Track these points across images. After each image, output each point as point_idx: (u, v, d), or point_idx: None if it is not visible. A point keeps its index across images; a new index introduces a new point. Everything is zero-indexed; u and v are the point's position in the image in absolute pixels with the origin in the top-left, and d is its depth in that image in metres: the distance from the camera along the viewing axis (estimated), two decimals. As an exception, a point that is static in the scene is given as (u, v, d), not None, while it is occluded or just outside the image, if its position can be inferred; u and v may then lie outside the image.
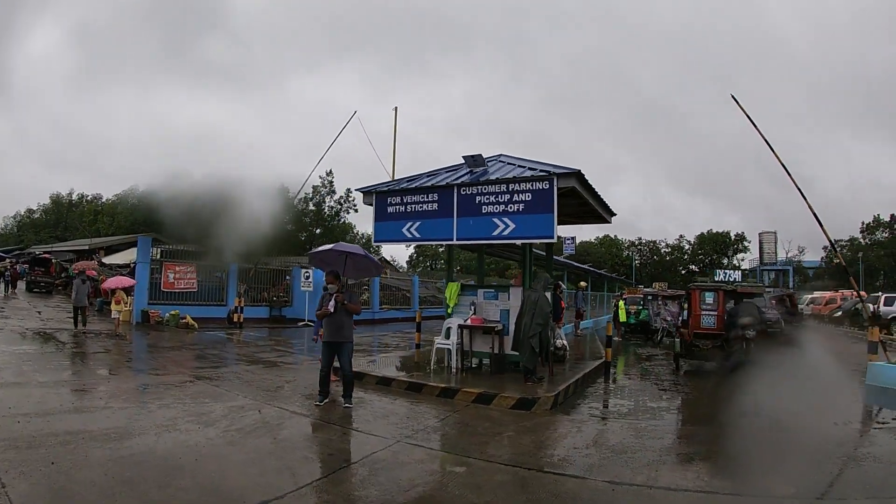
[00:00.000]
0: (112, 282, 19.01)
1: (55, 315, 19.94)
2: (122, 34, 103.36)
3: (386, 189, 11.54)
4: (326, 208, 67.35)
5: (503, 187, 9.94)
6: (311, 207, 66.45)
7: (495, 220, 9.95)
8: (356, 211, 68.30)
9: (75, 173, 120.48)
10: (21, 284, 34.77)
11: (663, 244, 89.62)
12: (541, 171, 9.78)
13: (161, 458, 5.19)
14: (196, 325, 18.58)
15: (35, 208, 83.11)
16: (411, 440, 6.28)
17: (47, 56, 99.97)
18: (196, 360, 12.36)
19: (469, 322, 10.86)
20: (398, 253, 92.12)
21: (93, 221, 67.39)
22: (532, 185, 9.65)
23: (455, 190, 10.47)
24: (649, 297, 20.40)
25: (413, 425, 7.07)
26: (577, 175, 9.62)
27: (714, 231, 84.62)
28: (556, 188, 9.41)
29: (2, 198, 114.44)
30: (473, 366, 11.20)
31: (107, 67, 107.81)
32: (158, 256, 20.33)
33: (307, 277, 23.19)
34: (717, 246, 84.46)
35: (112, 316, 16.64)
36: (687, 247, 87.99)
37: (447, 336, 11.03)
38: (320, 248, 8.99)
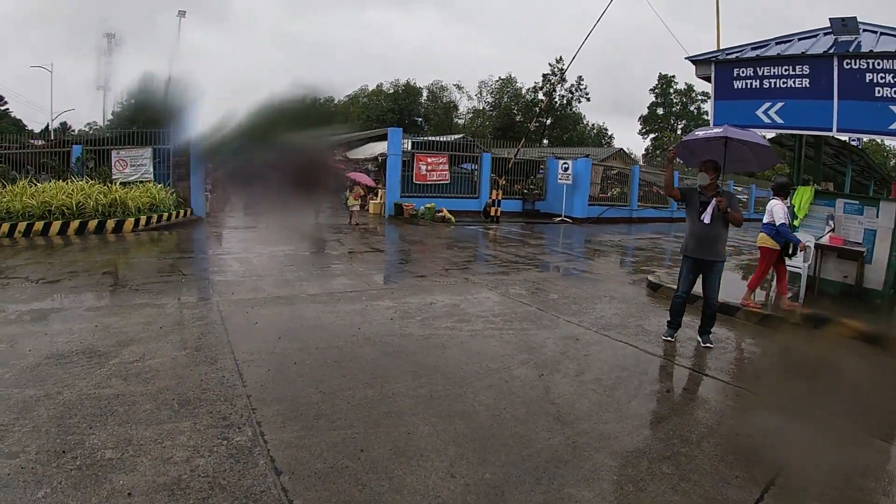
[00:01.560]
0: (353, 175, 18.41)
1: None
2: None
3: (732, 57, 8.10)
4: (557, 97, 62.62)
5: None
6: (542, 97, 62.41)
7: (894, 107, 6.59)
8: (588, 100, 62.38)
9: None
10: None
11: None
12: None
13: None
14: (453, 219, 17.11)
15: None
16: None
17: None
18: (479, 262, 10.51)
19: (828, 241, 7.79)
20: (632, 144, 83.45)
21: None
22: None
23: (835, 62, 7.10)
24: None
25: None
26: None
27: None
28: None
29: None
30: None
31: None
32: (409, 148, 19.12)
33: (565, 169, 20.19)
34: None
35: (350, 208, 16.42)
36: None
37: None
38: (697, 133, 5.74)
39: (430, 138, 20.83)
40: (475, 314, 6.36)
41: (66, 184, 14.21)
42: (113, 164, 16.11)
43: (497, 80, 62.60)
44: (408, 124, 56.28)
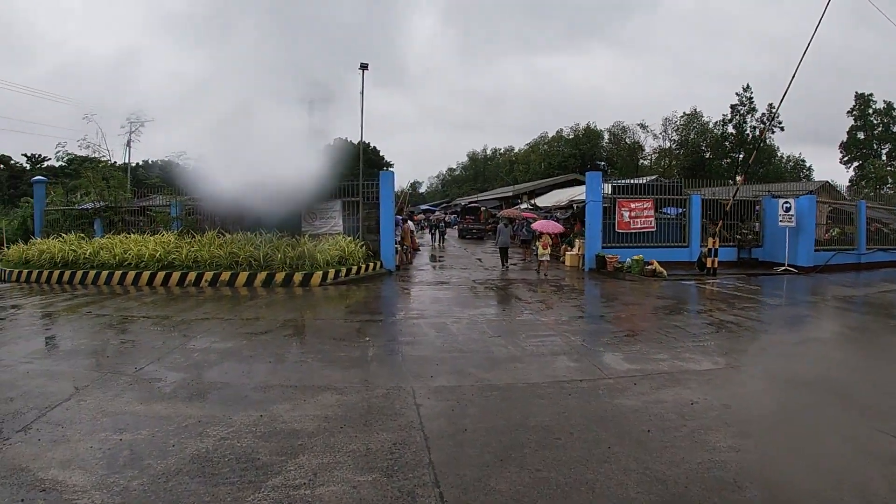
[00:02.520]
0: (539, 224, 17.98)
1: (494, 262, 19.43)
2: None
3: None
4: (748, 129, 56.43)
5: None
6: (731, 130, 56.73)
7: None
8: (782, 129, 55.26)
9: (478, 132, 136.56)
10: (453, 232, 37.26)
11: None
12: None
13: None
14: (665, 273, 14.94)
15: (454, 166, 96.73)
16: None
17: (430, 39, 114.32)
18: (725, 334, 8.39)
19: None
20: (834, 175, 71.66)
21: (509, 171, 73.49)
22: None
23: None
24: None
25: None
26: None
27: None
28: None
29: (426, 161, 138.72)
30: None
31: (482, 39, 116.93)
32: (609, 192, 17.46)
33: (787, 209, 16.95)
34: None
35: (539, 258, 15.94)
36: None
37: None
38: None
39: (631, 181, 18.91)
40: (766, 426, 4.57)
41: (255, 235, 14.50)
42: (303, 216, 16.35)
43: (682, 116, 58.47)
44: (589, 169, 54.72)
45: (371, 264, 15.55)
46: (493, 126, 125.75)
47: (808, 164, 62.45)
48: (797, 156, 61.55)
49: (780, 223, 17.30)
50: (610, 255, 16.16)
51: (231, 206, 15.74)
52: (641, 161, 60.31)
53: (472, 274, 15.88)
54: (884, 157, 55.14)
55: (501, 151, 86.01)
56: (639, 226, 17.22)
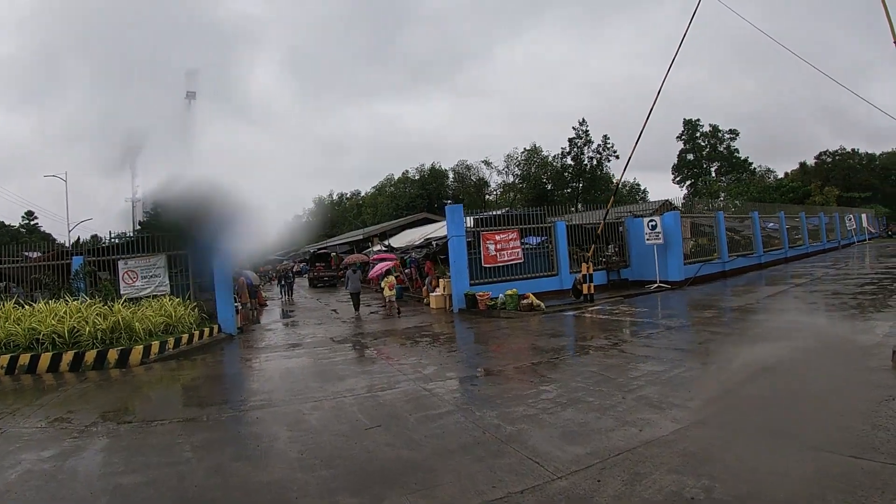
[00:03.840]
0: (375, 270, 18.05)
1: (350, 311, 17.14)
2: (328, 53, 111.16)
3: None
4: (585, 159, 60.67)
5: None
6: (570, 162, 60.49)
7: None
8: (617, 157, 60.25)
9: (324, 178, 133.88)
10: (303, 281, 34.75)
11: None
12: None
13: None
14: (542, 305, 13.71)
15: (301, 213, 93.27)
16: None
17: (272, 83, 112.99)
18: (654, 383, 6.91)
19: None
20: (668, 195, 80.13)
21: (357, 214, 71.81)
22: None
23: None
24: None
25: None
26: None
27: None
28: None
29: (270, 210, 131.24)
30: None
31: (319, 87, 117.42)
32: (472, 226, 16.11)
33: (653, 227, 16.95)
34: None
35: (388, 300, 15.72)
36: None
37: None
38: None
39: (493, 212, 17.92)
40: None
41: (59, 305, 11.34)
42: (120, 276, 13.21)
43: (522, 152, 61.17)
44: (437, 208, 54.57)
45: (207, 329, 12.77)
46: (337, 172, 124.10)
47: (642, 187, 68.54)
48: (632, 181, 67.43)
49: (647, 241, 17.18)
50: (480, 293, 14.67)
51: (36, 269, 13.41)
52: (487, 196, 62.02)
53: (328, 329, 13.55)
54: (713, 174, 62.24)
55: (348, 196, 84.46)
56: (506, 258, 16.04)
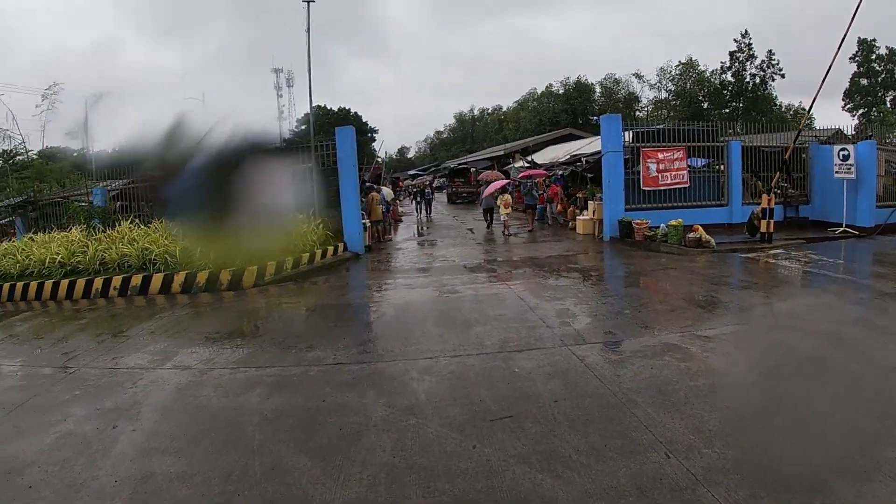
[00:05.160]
0: (490, 188, 16.59)
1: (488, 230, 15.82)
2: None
3: None
4: (747, 76, 52.78)
5: None
6: (729, 78, 53.02)
7: None
8: (783, 76, 51.52)
9: (463, 95, 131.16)
10: (442, 197, 33.74)
11: None
12: None
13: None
14: (713, 242, 11.49)
15: (441, 129, 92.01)
16: None
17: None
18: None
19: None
20: (836, 125, 68.57)
21: (498, 129, 69.30)
22: None
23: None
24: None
25: None
26: None
27: None
28: None
29: (413, 126, 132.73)
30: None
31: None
32: (630, 141, 13.79)
33: (845, 157, 13.50)
34: None
35: (502, 219, 14.71)
36: None
37: None
38: None
39: (656, 126, 15.33)
40: None
41: (175, 224, 11.01)
42: (243, 192, 12.60)
43: (677, 66, 54.57)
44: (581, 124, 50.94)
45: (331, 248, 11.93)
46: (477, 88, 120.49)
47: (809, 113, 59.14)
48: (796, 105, 58.21)
49: (835, 175, 13.82)
50: (638, 221, 12.61)
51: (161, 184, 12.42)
52: (637, 113, 56.53)
53: (461, 252, 12.41)
54: (888, 104, 52.11)
55: (489, 111, 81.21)
56: (669, 181, 13.65)
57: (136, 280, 9.76)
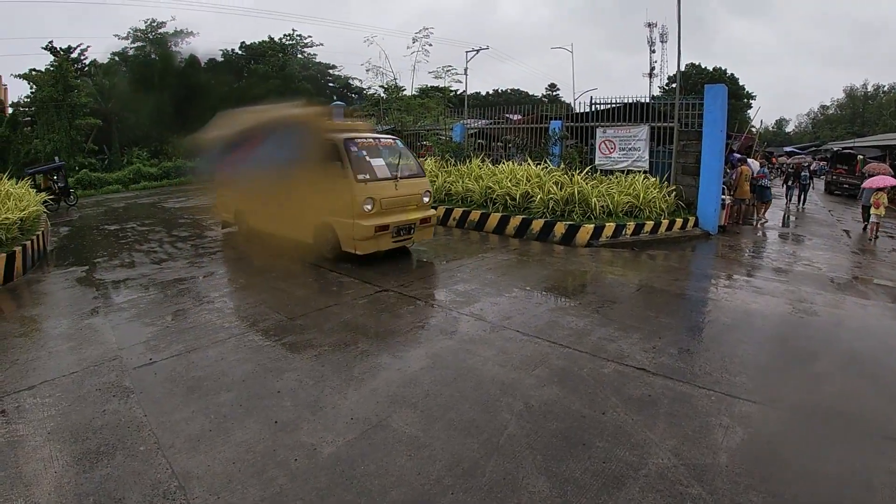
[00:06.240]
0: (873, 181, 12.92)
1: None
2: None
3: None
4: None
5: None
6: None
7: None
8: None
9: (857, 66, 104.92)
10: (819, 184, 27.47)
11: None
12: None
13: None
14: None
15: (828, 104, 75.10)
16: None
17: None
18: None
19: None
20: None
21: (895, 114, 53.44)
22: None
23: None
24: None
25: None
26: None
27: None
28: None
29: (794, 96, 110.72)
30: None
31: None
32: None
33: None
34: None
35: (871, 220, 11.87)
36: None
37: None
38: None
39: None
40: None
41: (520, 168, 11.29)
42: (598, 145, 11.92)
43: None
44: None
45: (680, 220, 10.60)
46: (873, 59, 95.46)
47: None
48: None
49: None
50: None
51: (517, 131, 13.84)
52: None
53: (832, 259, 9.31)
54: None
55: (885, 89, 64.59)
56: None
57: (475, 216, 10.60)
